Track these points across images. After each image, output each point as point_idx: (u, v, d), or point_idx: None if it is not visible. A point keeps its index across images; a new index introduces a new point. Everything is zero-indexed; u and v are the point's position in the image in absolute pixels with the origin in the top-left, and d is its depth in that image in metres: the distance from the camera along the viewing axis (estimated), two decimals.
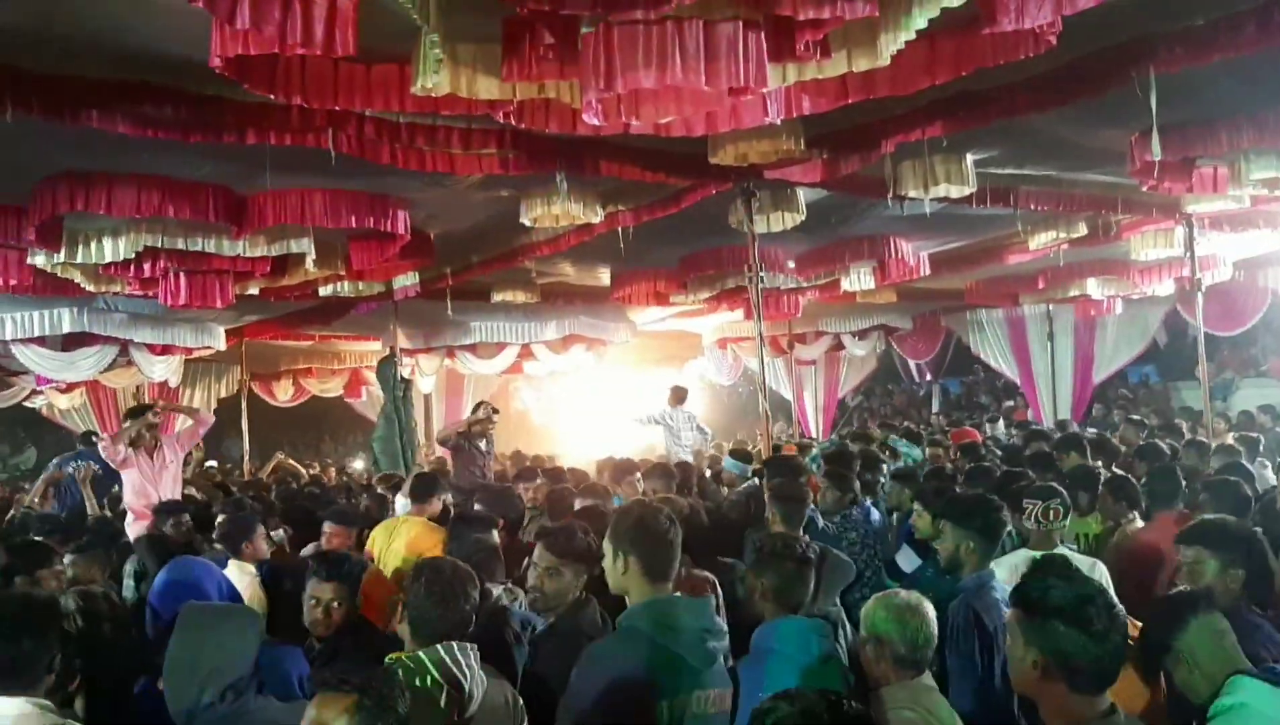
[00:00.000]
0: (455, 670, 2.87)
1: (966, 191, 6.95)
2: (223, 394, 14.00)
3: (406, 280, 9.50)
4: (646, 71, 3.48)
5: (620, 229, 7.88)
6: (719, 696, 3.09)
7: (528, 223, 7.21)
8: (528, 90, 4.27)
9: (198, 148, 5.49)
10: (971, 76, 4.68)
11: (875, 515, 5.98)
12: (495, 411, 9.32)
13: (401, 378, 10.85)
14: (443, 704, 2.81)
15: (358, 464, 16.97)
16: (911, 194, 6.99)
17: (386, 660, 3.05)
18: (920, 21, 3.73)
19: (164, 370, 10.77)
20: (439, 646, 2.94)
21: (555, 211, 6.98)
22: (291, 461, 13.28)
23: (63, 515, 8.32)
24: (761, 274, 7.64)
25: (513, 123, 4.69)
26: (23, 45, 4.52)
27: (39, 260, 6.90)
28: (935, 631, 3.15)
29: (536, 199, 6.95)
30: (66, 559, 5.19)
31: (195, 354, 11.13)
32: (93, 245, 6.56)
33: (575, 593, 3.96)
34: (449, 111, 4.73)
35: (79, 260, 6.66)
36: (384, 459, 10.46)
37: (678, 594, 3.25)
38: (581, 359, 13.90)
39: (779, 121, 4.87)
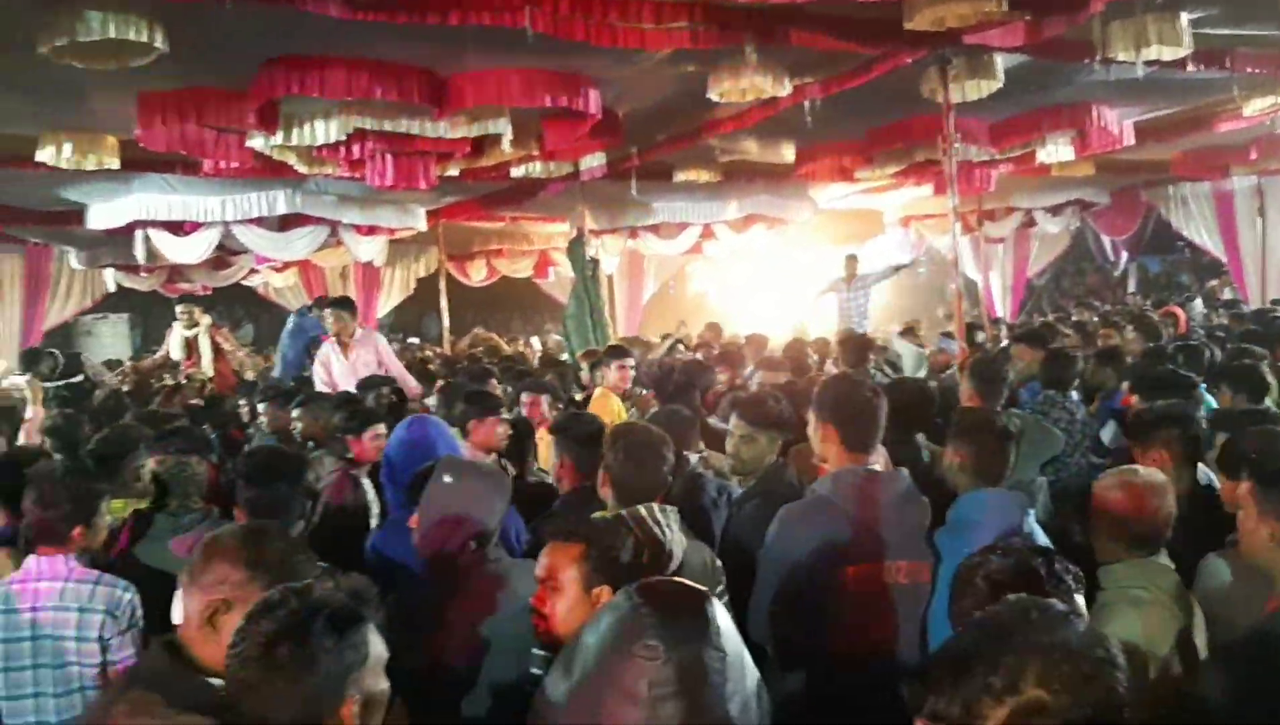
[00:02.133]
0: (656, 529, 2.98)
1: (1181, 53, 6.47)
2: (421, 274, 14.66)
3: (594, 160, 9.65)
4: None
5: (807, 102, 7.76)
6: (914, 568, 3.12)
7: (715, 98, 7.17)
8: None
9: (402, 30, 5.69)
10: None
11: (1075, 396, 5.89)
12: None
13: (590, 257, 11.13)
14: (645, 562, 2.99)
15: (535, 342, 17.59)
16: (1121, 57, 6.60)
17: (596, 516, 3.26)
18: None
19: (370, 250, 11.35)
20: (640, 507, 3.04)
21: (743, 85, 6.92)
22: (490, 334, 13.97)
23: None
24: (956, 146, 7.41)
25: None
26: None
27: (257, 143, 7.33)
28: (1174, 509, 3.05)
29: (724, 72, 6.90)
30: (294, 412, 5.75)
31: (397, 234, 11.66)
32: (306, 128, 6.92)
33: (771, 457, 4.12)
34: None
35: (294, 142, 7.07)
36: (575, 337, 10.85)
37: (875, 466, 3.30)
38: (762, 239, 13.86)
39: None
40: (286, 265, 12.82)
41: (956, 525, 3.29)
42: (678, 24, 5.90)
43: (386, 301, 14.85)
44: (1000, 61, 7.30)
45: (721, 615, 1.69)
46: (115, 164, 7.88)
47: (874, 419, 3.29)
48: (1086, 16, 6.16)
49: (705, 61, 6.92)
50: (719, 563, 3.36)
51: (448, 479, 3.13)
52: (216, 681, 1.94)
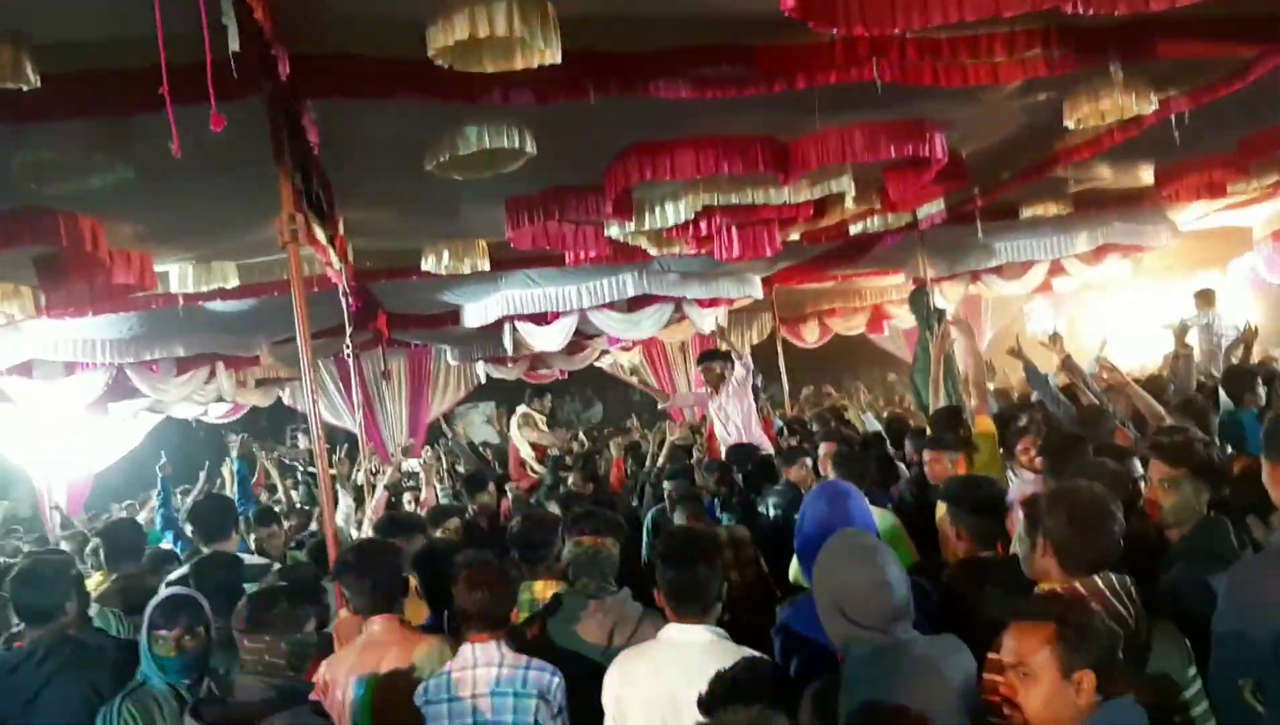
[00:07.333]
0: (1117, 603, 2.73)
1: None
2: (755, 340, 14.78)
3: (932, 207, 9.37)
4: None
5: (1173, 117, 7.13)
6: None
7: (1070, 125, 6.75)
8: None
9: (747, 101, 5.75)
10: None
11: None
12: None
13: (935, 307, 10.74)
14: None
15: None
16: None
17: (1037, 590, 2.96)
18: None
19: (712, 322, 11.59)
20: (1096, 577, 2.80)
21: (1104, 107, 6.47)
22: (830, 392, 13.89)
23: None
24: None
25: (1082, 11, 4.36)
26: (603, 28, 4.91)
27: (613, 231, 7.70)
28: None
29: (1081, 97, 6.49)
30: None
31: (736, 304, 11.85)
32: (658, 211, 7.20)
33: (1200, 509, 3.67)
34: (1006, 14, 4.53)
35: (647, 227, 7.35)
36: (924, 391, 10.46)
37: None
38: (1116, 269, 12.90)
39: None
40: (633, 343, 13.37)
41: None
42: (1032, 52, 5.61)
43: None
44: None
45: None
46: (486, 266, 8.56)
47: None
48: None
49: (1059, 88, 6.55)
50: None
51: (837, 558, 2.96)
52: None
